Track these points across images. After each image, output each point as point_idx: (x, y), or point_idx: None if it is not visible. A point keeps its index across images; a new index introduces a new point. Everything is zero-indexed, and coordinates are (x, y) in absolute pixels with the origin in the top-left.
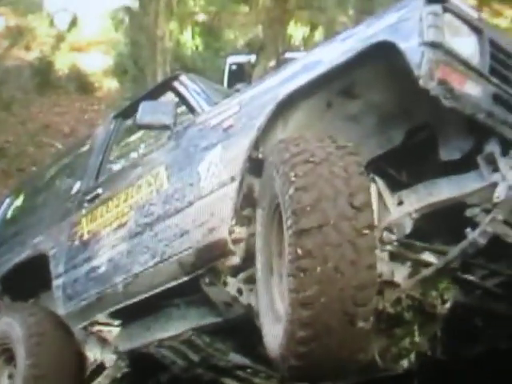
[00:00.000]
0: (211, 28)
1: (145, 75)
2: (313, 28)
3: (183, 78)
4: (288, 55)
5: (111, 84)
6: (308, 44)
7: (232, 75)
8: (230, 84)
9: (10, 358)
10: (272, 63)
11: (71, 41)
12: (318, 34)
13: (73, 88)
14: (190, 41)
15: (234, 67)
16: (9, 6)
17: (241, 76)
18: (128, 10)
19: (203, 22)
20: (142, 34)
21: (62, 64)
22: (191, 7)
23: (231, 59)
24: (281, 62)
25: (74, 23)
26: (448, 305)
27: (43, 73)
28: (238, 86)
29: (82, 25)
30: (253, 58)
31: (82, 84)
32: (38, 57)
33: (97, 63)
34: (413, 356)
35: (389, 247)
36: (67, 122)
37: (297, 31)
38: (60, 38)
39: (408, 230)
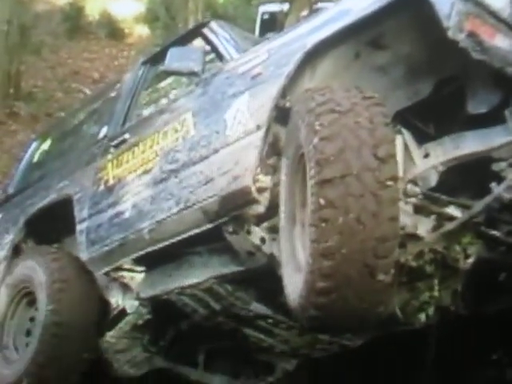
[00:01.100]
0: None
1: (176, 22)
2: None
3: (213, 24)
4: (320, 5)
5: (142, 31)
6: None
7: (264, 24)
8: (262, 33)
9: (32, 302)
10: (304, 13)
11: None
12: None
13: (103, 34)
14: None
15: (266, 16)
16: None
17: (273, 25)
18: None
19: None
20: None
21: (93, 9)
22: None
23: (263, 8)
24: (313, 12)
25: None
26: (471, 260)
27: (74, 18)
28: (270, 35)
29: None
30: (285, 7)
31: (112, 30)
32: (68, 2)
33: (128, 9)
34: (433, 310)
35: (413, 200)
36: (97, 67)
37: None
38: None
39: (433, 183)
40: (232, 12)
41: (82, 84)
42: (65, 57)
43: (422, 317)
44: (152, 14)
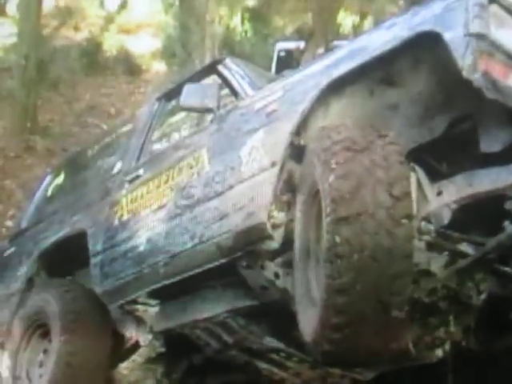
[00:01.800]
0: (261, 14)
1: (193, 59)
2: (362, 17)
3: (228, 61)
4: (336, 43)
5: (159, 67)
6: (357, 33)
7: (280, 62)
8: (278, 70)
9: (46, 333)
10: (320, 51)
11: (120, 22)
12: (368, 23)
13: (120, 70)
14: (240, 26)
15: (282, 54)
16: None
17: (289, 63)
18: None
19: (253, 8)
20: (191, 18)
21: (110, 45)
22: None
23: (280, 45)
24: (329, 50)
25: (123, 5)
26: (483, 296)
27: (91, 54)
28: (286, 72)
29: (131, 7)
30: (302, 44)
31: (129, 66)
32: (86, 37)
33: (145, 46)
34: (446, 346)
35: (426, 237)
36: (113, 103)
37: (346, 19)
38: (109, 20)
39: (446, 221)
40: (249, 50)
41: (99, 119)
42: (82, 92)
43: (436, 352)
44: (169, 50)
